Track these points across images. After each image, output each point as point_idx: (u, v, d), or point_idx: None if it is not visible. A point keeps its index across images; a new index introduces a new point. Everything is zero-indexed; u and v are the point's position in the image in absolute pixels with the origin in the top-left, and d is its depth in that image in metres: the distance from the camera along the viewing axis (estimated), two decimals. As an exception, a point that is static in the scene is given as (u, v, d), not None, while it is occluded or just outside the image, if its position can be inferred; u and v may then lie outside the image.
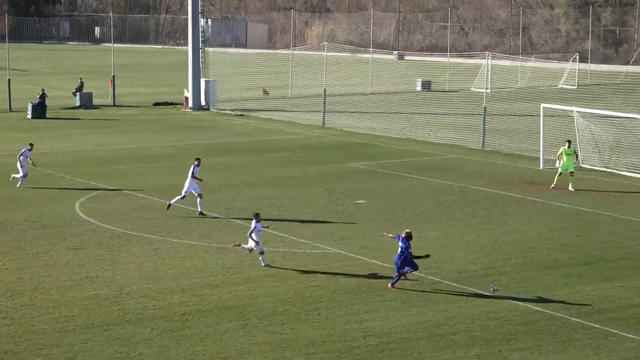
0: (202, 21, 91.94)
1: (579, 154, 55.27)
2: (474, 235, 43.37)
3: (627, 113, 66.57)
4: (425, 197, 51.21)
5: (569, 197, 51.17)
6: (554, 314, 32.69)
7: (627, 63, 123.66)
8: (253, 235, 37.39)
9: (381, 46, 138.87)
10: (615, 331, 31.00)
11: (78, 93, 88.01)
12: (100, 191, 51.49)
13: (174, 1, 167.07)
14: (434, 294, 34.71)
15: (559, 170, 52.96)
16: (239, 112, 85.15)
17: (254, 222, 37.51)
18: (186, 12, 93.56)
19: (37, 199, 49.45)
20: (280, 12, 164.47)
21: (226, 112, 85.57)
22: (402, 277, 35.15)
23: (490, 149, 66.40)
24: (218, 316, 32.12)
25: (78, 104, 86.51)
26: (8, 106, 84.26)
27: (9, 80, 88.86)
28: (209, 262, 38.66)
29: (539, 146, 60.73)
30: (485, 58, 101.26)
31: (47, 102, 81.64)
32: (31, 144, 52.88)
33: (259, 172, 57.46)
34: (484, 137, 68.01)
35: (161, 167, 54.20)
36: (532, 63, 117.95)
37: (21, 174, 51.18)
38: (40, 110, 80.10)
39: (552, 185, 52.70)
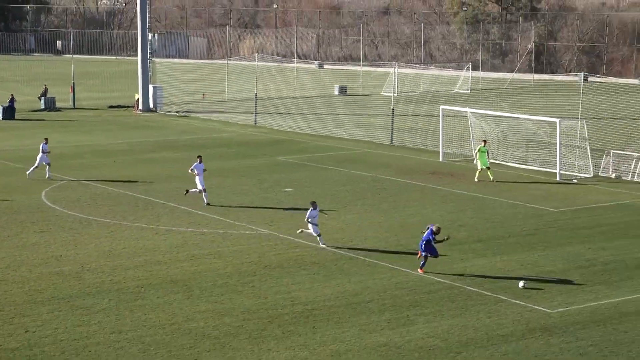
0: (149, 35, 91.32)
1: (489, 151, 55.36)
2: (384, 217, 43.50)
3: (512, 113, 67.08)
4: (342, 186, 51.26)
5: (465, 185, 51.47)
6: (453, 284, 32.93)
7: (512, 71, 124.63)
8: (310, 220, 37.30)
9: (304, 57, 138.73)
10: (504, 298, 31.31)
11: (43, 97, 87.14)
12: (63, 182, 50.97)
13: (125, 18, 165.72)
14: (351, 268, 34.77)
15: (479, 167, 52.96)
16: (182, 114, 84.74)
17: (310, 209, 37.32)
18: (136, 28, 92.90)
19: (8, 189, 48.82)
20: (217, 28, 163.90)
21: (171, 113, 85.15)
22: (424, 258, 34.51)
23: (397, 144, 66.58)
24: (166, 289, 31.99)
25: (43, 107, 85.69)
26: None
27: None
28: (158, 242, 38.46)
29: (439, 142, 61.04)
30: (392, 67, 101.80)
31: (16, 105, 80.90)
32: (46, 138, 52.99)
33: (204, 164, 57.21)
34: (392, 134, 68.21)
35: (115, 161, 53.81)
36: (432, 71, 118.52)
37: (36, 164, 51.32)
38: (10, 112, 79.39)
39: (476, 178, 52.58)
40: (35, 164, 51.27)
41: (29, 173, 51.19)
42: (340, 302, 30.58)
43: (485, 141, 54.14)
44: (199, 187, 45.60)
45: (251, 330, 27.99)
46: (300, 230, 37.84)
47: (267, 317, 29.09)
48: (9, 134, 70.88)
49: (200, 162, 46.02)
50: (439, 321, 29.01)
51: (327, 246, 37.46)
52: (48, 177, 51.01)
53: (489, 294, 31.80)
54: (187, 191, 45.52)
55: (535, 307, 30.47)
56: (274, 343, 26.93)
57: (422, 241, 33.97)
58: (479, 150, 53.06)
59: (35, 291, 31.41)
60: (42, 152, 51.37)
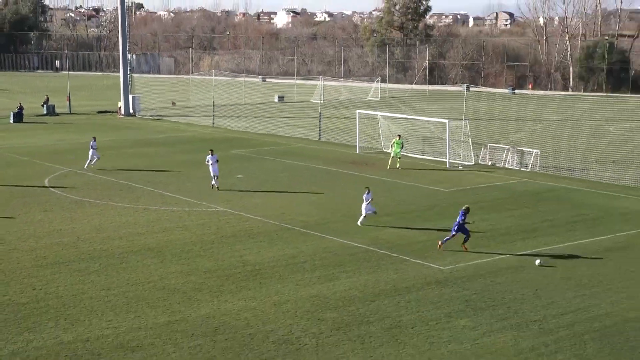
0: (129, 56, 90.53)
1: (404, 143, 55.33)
2: (315, 197, 43.49)
3: (412, 115, 67.39)
4: (282, 173, 51.12)
5: (376, 172, 51.56)
6: (368, 248, 33.06)
7: (411, 83, 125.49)
8: (365, 201, 36.72)
9: (250, 72, 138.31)
10: (408, 259, 31.54)
11: (45, 105, 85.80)
12: (62, 171, 50.29)
13: (109, 42, 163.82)
14: (289, 237, 34.79)
15: (392, 155, 53.03)
16: (156, 117, 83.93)
17: (365, 193, 36.80)
18: (118, 50, 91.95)
19: (18, 177, 48.08)
20: (182, 50, 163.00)
21: (147, 117, 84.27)
22: (450, 239, 32.92)
23: (324, 140, 66.59)
24: (144, 254, 31.83)
25: (45, 112, 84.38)
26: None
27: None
28: (137, 218, 38.18)
29: (356, 138, 61.21)
30: (319, 80, 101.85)
31: (23, 111, 79.64)
32: (94, 137, 52.34)
33: (171, 157, 56.77)
34: (320, 132, 68.25)
35: (103, 154, 53.05)
36: (350, 83, 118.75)
37: (89, 159, 50.85)
38: (19, 117, 78.12)
39: (389, 166, 52.48)
40: (89, 160, 50.76)
41: (86, 167, 50.74)
42: (281, 263, 30.66)
43: (399, 135, 54.28)
44: (212, 173, 45.07)
45: (212, 286, 27.97)
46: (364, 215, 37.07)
47: (224, 276, 29.17)
48: (18, 134, 69.76)
49: (212, 154, 45.39)
50: (357, 277, 29.20)
51: (360, 224, 36.79)
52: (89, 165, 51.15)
53: (396, 255, 32.00)
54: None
55: (431, 265, 30.78)
56: (230, 296, 26.95)
57: (456, 224, 32.63)
58: (394, 143, 53.29)
59: (40, 257, 31.15)
60: (92, 148, 50.81)
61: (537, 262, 31.23)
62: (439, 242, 32.93)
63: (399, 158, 52.69)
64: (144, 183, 46.82)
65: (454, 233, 32.71)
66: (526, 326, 24.49)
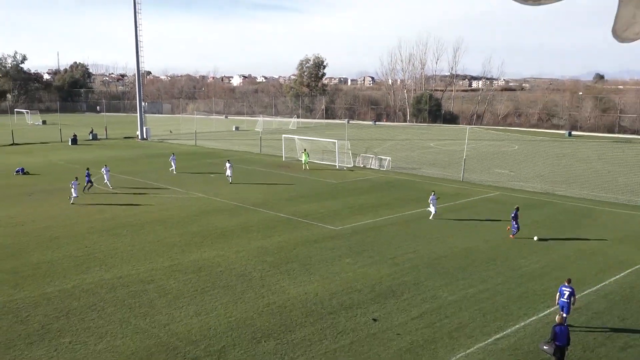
0: (143, 103, 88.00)
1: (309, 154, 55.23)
2: (257, 187, 42.97)
3: (316, 137, 67.33)
4: (238, 172, 50.39)
5: (294, 172, 51.33)
6: (290, 217, 32.83)
7: (315, 118, 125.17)
8: (431, 202, 32.43)
9: (218, 112, 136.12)
10: (314, 223, 31.37)
11: (91, 134, 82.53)
12: (99, 175, 48.56)
13: (130, 94, 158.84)
14: (244, 213, 34.30)
15: (303, 161, 52.93)
16: (160, 140, 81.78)
17: (431, 195, 32.90)
18: (136, 99, 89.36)
19: (71, 179, 46.09)
20: (175, 99, 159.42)
21: (154, 140, 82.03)
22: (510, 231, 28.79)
23: (264, 152, 65.96)
24: (155, 223, 30.92)
25: (90, 138, 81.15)
26: (60, 139, 78.43)
27: (60, 129, 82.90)
28: (149, 201, 37.01)
29: (282, 151, 60.79)
30: (259, 117, 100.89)
31: (77, 138, 76.41)
32: (173, 153, 49.13)
33: (169, 164, 55.39)
34: (260, 147, 67.60)
35: (126, 163, 51.27)
36: (278, 119, 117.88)
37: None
38: (74, 141, 74.66)
39: (304, 168, 52.19)
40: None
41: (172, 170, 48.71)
42: (239, 228, 30.20)
43: (305, 149, 54.28)
44: (228, 173, 44.36)
45: (197, 242, 27.40)
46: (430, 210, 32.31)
47: (204, 236, 28.54)
48: (74, 152, 66.85)
49: (229, 162, 44.97)
50: (285, 234, 28.95)
51: (432, 218, 32.22)
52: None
53: (307, 221, 31.86)
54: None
55: (328, 226, 30.73)
56: (208, 248, 26.43)
57: (514, 220, 28.13)
58: (303, 153, 53.33)
59: (90, 228, 29.88)
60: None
61: (535, 238, 28.17)
62: (511, 235, 28.40)
63: (307, 163, 52.89)
64: (154, 180, 45.48)
65: (514, 223, 28.20)
66: (384, 261, 24.74)
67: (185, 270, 23.32)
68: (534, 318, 18.99)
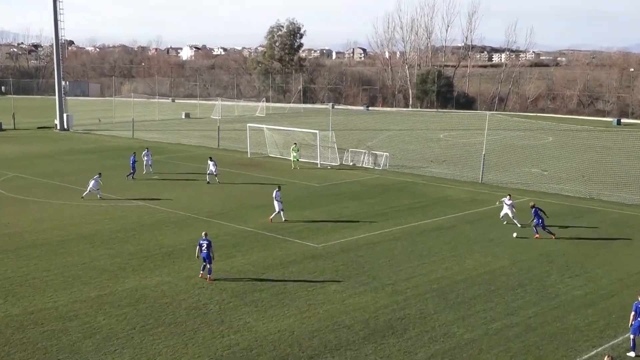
0: (63, 82, 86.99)
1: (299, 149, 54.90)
2: (216, 190, 42.84)
3: (291, 127, 67.18)
4: (190, 173, 50.20)
5: (263, 172, 51.29)
6: (258, 232, 32.77)
7: (289, 102, 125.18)
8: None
9: (163, 95, 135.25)
10: (290, 239, 31.42)
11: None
12: (7, 176, 47.91)
13: (46, 71, 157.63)
14: (195, 224, 34.14)
15: (292, 159, 53.10)
16: (85, 131, 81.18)
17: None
18: (54, 77, 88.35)
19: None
20: (106, 77, 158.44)
21: (78, 131, 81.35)
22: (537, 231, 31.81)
23: (222, 147, 65.70)
24: (78, 241, 30.74)
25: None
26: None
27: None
28: (72, 212, 36.73)
29: (247, 145, 60.68)
30: (217, 101, 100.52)
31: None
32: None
33: (99, 163, 54.74)
34: (218, 141, 67.41)
35: (42, 161, 50.91)
36: (242, 103, 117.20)
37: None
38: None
39: (293, 168, 52.28)
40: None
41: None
42: (189, 245, 29.84)
43: (295, 143, 54.31)
44: (213, 172, 45.56)
45: (134, 265, 27.22)
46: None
47: (144, 257, 28.42)
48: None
49: (213, 162, 45.90)
50: (251, 255, 28.92)
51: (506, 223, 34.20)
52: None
53: (280, 237, 31.82)
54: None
55: (308, 243, 30.73)
56: (149, 272, 26.31)
57: (538, 219, 31.40)
58: (292, 150, 53.56)
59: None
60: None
61: (515, 235, 31.74)
62: (535, 235, 31.66)
63: (296, 161, 53.06)
64: (78, 184, 45.01)
65: (536, 222, 31.55)
66: (382, 288, 24.72)
67: (119, 302, 23.07)
68: (575, 361, 19.11)
